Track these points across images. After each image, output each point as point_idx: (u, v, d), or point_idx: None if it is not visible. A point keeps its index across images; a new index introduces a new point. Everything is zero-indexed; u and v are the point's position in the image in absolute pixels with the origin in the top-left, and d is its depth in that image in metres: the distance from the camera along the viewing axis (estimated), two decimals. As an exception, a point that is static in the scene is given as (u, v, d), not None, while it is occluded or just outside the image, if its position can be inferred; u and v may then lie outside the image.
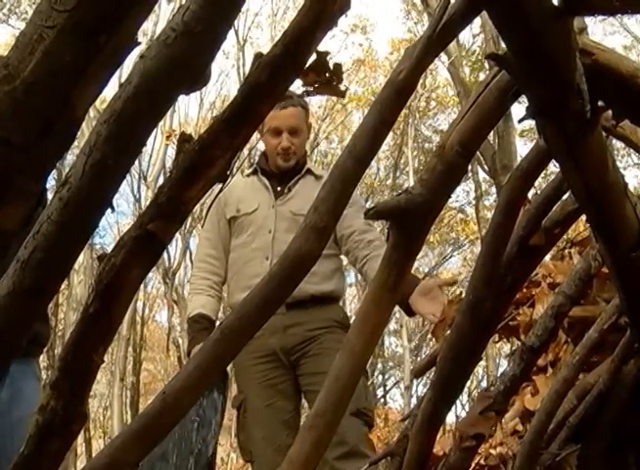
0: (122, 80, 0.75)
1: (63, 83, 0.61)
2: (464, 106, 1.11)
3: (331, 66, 0.85)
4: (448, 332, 1.38)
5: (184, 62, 0.73)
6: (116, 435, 0.90)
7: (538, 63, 0.98)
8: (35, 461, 0.81)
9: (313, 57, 0.82)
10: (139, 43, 0.71)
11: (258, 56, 0.80)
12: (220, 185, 0.87)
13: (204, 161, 0.78)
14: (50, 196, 0.82)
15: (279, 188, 3.55)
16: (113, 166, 0.72)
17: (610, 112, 1.15)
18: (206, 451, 3.08)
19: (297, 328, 3.31)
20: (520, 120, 1.10)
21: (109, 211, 0.76)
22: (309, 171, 3.57)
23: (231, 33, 0.84)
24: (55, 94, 0.61)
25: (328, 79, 0.83)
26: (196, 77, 0.74)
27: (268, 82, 0.76)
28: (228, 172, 0.81)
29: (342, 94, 0.85)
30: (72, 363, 0.80)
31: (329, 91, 0.84)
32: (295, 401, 3.33)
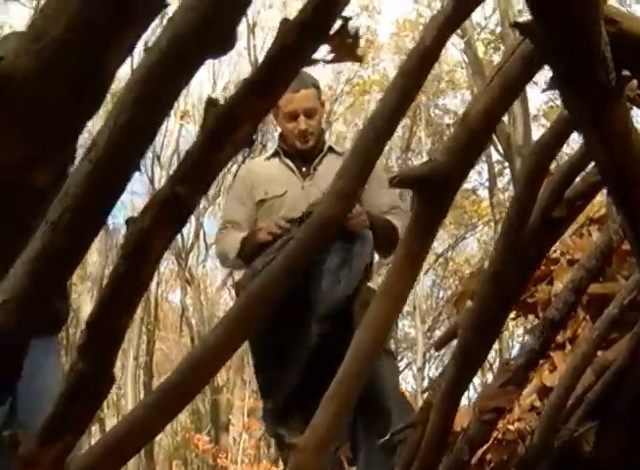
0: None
1: (93, 42, 0.61)
2: (488, 75, 1.11)
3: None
4: (470, 303, 1.38)
5: (212, 24, 0.73)
6: (143, 398, 0.91)
7: (563, 30, 0.98)
8: (63, 423, 0.81)
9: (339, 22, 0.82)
10: (168, 4, 0.71)
11: (285, 20, 0.79)
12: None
13: (230, 124, 0.78)
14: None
15: (304, 169, 3.55)
16: (141, 128, 0.72)
17: (635, 81, 1.14)
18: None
19: None
20: (543, 90, 1.09)
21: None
22: (331, 149, 3.58)
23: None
24: (85, 53, 0.61)
25: (350, 45, 0.83)
26: (223, 40, 0.74)
27: (295, 45, 0.76)
28: (254, 137, 0.81)
29: (360, 59, 0.85)
30: (101, 325, 0.80)
31: (348, 57, 0.84)
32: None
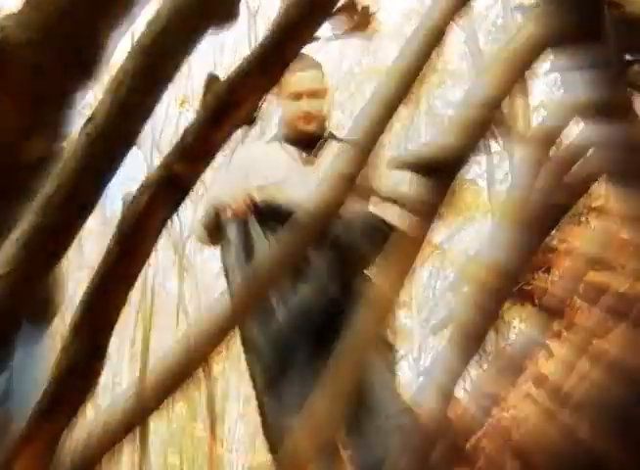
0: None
1: (92, 12, 0.60)
2: (493, 59, 1.10)
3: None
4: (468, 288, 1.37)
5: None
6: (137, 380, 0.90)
7: (568, 14, 0.97)
8: (57, 401, 0.80)
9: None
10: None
11: (288, -5, 0.78)
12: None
13: (231, 101, 0.77)
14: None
15: (304, 154, 3.51)
16: (140, 103, 0.71)
17: (637, 66, 1.13)
18: None
19: None
20: (546, 73, 1.08)
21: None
22: (332, 135, 3.53)
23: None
24: (85, 23, 0.60)
25: (357, 22, 0.82)
26: (225, 13, 0.73)
27: (299, 21, 0.75)
28: (255, 115, 0.80)
29: (371, 34, 0.83)
30: (95, 305, 0.79)
31: (358, 32, 0.83)
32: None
